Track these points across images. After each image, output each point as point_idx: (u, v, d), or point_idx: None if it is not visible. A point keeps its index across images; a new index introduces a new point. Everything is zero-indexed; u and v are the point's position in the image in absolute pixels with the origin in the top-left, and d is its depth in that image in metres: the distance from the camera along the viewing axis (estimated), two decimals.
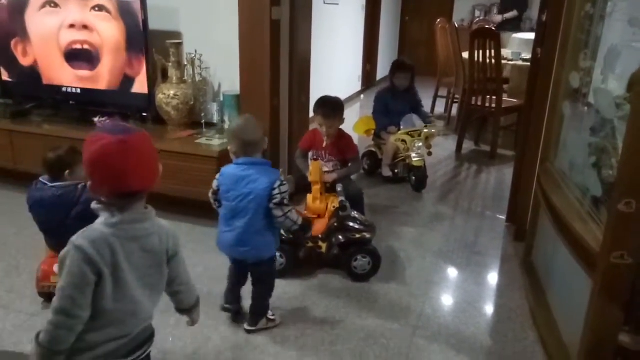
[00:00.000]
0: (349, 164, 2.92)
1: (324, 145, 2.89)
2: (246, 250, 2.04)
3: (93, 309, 1.22)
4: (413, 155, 3.66)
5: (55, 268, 2.20)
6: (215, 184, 2.10)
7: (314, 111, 2.86)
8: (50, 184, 2.22)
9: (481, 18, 7.57)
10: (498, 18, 6.23)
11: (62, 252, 1.20)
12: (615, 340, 1.72)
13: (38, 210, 2.24)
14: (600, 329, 1.69)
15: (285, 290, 2.48)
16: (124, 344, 1.31)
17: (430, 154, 3.79)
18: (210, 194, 2.13)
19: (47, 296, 2.30)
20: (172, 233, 1.38)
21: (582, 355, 1.76)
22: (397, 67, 3.96)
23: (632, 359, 1.93)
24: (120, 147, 1.16)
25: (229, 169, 2.05)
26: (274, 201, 1.98)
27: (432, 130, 3.82)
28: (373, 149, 4.06)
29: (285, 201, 2.01)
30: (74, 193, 2.20)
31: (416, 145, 3.69)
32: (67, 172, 2.21)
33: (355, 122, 4.14)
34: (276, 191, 1.98)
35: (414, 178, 3.76)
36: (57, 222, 2.20)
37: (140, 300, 1.30)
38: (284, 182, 2.02)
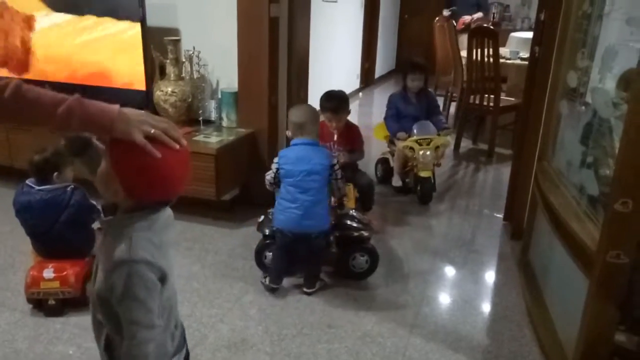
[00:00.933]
0: (355, 152, 3.07)
1: (335, 138, 2.99)
2: (311, 223, 2.34)
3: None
4: (420, 164, 3.38)
5: (45, 273, 2.18)
6: (274, 166, 2.41)
7: (321, 106, 2.93)
8: (37, 187, 2.18)
9: (480, 17, 7.57)
10: (467, 18, 6.02)
11: (118, 277, 1.08)
12: (611, 339, 1.73)
13: (25, 215, 2.19)
14: (596, 327, 1.70)
15: (282, 288, 2.48)
16: (178, 334, 1.25)
17: (438, 164, 3.51)
18: (269, 177, 2.44)
19: (36, 302, 2.24)
20: None
21: (578, 354, 1.77)
22: (409, 67, 3.64)
23: (628, 358, 1.94)
24: (176, 158, 1.09)
25: (286, 151, 2.45)
26: (338, 177, 2.41)
27: (443, 140, 3.50)
28: (386, 156, 3.89)
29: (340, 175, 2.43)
30: (63, 196, 2.17)
31: (423, 154, 3.37)
32: (55, 174, 2.17)
33: (374, 126, 3.92)
34: (337, 166, 2.40)
35: (419, 189, 3.49)
36: (46, 226, 2.17)
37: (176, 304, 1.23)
38: (338, 161, 2.46)
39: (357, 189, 2.89)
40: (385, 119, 3.67)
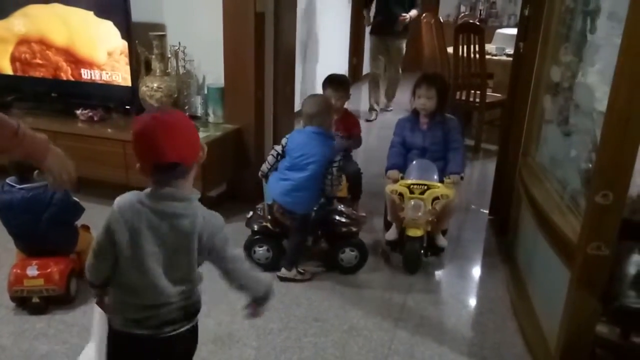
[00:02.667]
0: (351, 140, 3.09)
1: (334, 118, 2.95)
2: (288, 201, 2.44)
3: (114, 269, 1.33)
4: (407, 219, 2.54)
5: (29, 271, 2.16)
6: (284, 140, 2.53)
7: (323, 87, 3.04)
8: (18, 186, 2.15)
9: (467, 13, 7.61)
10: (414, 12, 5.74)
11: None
12: (593, 330, 1.75)
13: (7, 214, 2.16)
14: (578, 319, 1.72)
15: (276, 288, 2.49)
16: (146, 316, 1.33)
17: (433, 222, 2.57)
18: (270, 158, 2.59)
19: (19, 301, 2.21)
20: (211, 225, 1.34)
21: (560, 345, 1.79)
22: (417, 82, 2.73)
23: (609, 348, 1.97)
24: (152, 122, 1.26)
25: (295, 133, 2.57)
26: (333, 174, 2.46)
27: (446, 191, 2.51)
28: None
29: (338, 172, 2.49)
30: (44, 194, 2.15)
31: (414, 205, 2.50)
32: (35, 172, 2.14)
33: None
34: (336, 164, 2.46)
35: (403, 251, 2.63)
36: (29, 225, 2.14)
37: (157, 275, 1.30)
38: (341, 159, 2.51)
39: (346, 177, 2.87)
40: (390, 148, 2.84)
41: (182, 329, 1.38)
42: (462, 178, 2.65)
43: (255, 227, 2.56)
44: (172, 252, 1.31)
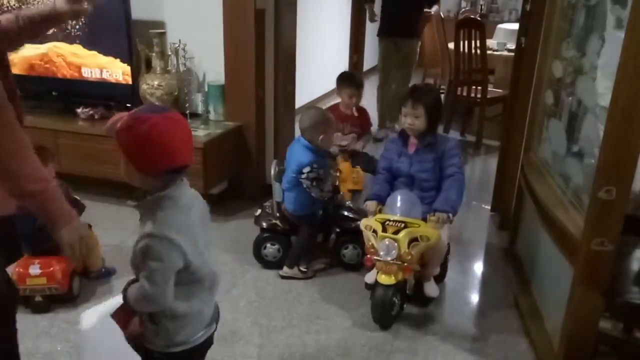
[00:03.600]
0: (364, 136, 3.13)
1: (350, 114, 3.07)
2: (286, 205, 2.52)
3: (188, 280, 1.27)
4: (378, 259, 2.10)
5: (31, 270, 2.16)
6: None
7: (340, 85, 3.08)
8: None
9: (467, 8, 7.59)
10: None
11: (141, 245, 1.22)
12: (596, 326, 1.75)
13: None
14: (581, 315, 1.72)
15: (272, 281, 2.49)
16: (213, 313, 1.39)
17: (408, 268, 2.10)
18: None
19: (22, 300, 2.18)
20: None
21: (564, 341, 1.79)
22: (403, 97, 2.35)
23: (612, 345, 1.96)
24: (169, 123, 1.19)
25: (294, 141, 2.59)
26: (304, 184, 2.41)
27: (427, 232, 2.10)
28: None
29: (309, 182, 2.39)
30: None
31: (384, 245, 2.07)
32: None
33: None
34: (304, 175, 2.39)
35: (371, 299, 2.19)
36: (30, 224, 2.13)
37: (208, 256, 1.33)
38: (314, 169, 2.39)
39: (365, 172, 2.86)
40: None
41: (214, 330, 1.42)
42: (450, 218, 2.15)
43: (264, 225, 2.57)
44: (204, 232, 1.33)
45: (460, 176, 2.25)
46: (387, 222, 2.12)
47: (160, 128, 1.17)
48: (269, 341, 2.09)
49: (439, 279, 2.42)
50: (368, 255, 2.14)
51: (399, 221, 2.11)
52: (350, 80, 3.09)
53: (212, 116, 3.20)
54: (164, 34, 3.14)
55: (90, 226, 2.44)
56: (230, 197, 3.26)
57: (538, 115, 2.53)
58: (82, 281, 2.35)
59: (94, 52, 3.21)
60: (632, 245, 1.80)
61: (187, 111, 3.23)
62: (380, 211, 2.23)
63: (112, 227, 2.93)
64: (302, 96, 4.37)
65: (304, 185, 2.42)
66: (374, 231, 2.12)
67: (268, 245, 2.56)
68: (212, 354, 1.96)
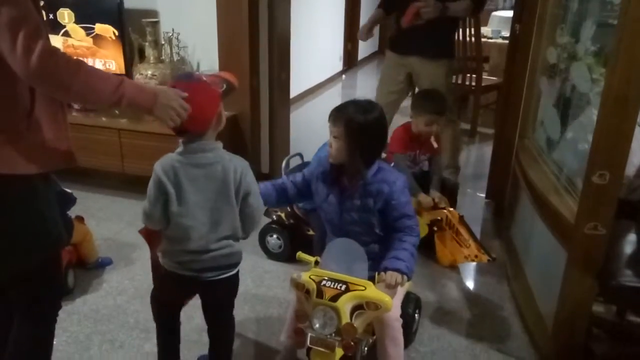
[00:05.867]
0: (434, 164, 2.64)
1: (434, 146, 2.58)
2: None
3: (166, 219, 1.51)
4: (311, 334, 1.49)
5: None
6: None
7: (418, 108, 2.48)
8: None
9: None
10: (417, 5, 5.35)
11: None
12: (589, 309, 1.77)
13: None
14: (575, 298, 1.74)
15: (268, 269, 2.50)
16: (189, 260, 1.54)
17: (349, 349, 1.48)
18: None
19: None
20: (240, 165, 1.55)
21: (557, 325, 1.81)
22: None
23: (606, 327, 1.99)
24: (187, 90, 1.44)
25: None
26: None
27: (376, 295, 1.48)
28: None
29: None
30: None
31: (320, 315, 1.48)
32: None
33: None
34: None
35: None
36: None
37: (202, 220, 1.51)
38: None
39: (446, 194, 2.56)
40: None
41: (223, 276, 1.58)
42: (404, 280, 1.59)
43: (274, 217, 2.59)
44: (214, 200, 1.51)
45: (414, 232, 1.68)
46: (324, 282, 1.51)
47: (192, 101, 1.44)
48: (266, 328, 2.10)
49: (406, 344, 1.82)
50: (299, 326, 1.52)
51: (339, 281, 1.52)
52: (430, 102, 2.47)
53: None
54: (157, 23, 3.12)
55: (82, 219, 2.44)
56: None
57: (532, 101, 2.54)
58: (77, 273, 2.34)
59: (87, 41, 3.19)
60: (625, 229, 1.82)
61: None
62: (316, 263, 1.63)
63: (107, 218, 2.93)
64: (297, 85, 4.37)
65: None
66: (308, 292, 1.52)
67: (269, 236, 2.57)
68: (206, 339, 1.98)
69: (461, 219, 2.43)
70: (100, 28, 3.10)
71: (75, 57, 1.27)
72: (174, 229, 1.52)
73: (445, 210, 2.46)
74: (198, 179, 1.49)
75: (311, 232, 2.51)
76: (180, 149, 1.51)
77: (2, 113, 1.26)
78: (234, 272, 1.61)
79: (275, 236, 2.56)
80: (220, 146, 1.55)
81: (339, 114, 1.65)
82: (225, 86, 1.64)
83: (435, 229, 2.53)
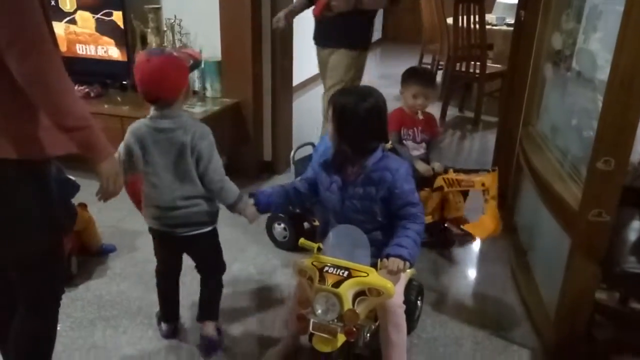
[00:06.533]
0: (434, 149, 2.63)
1: (420, 119, 2.54)
2: None
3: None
4: (314, 320, 1.49)
5: None
6: None
7: (405, 81, 2.52)
8: None
9: None
10: None
11: None
12: (592, 296, 1.77)
13: None
14: (578, 285, 1.73)
15: (271, 256, 2.50)
16: (161, 216, 1.74)
17: (351, 335, 1.47)
18: None
19: None
20: (198, 131, 1.69)
21: (560, 312, 1.81)
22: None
23: (608, 315, 1.99)
24: (144, 65, 1.62)
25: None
26: None
27: (379, 281, 1.50)
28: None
29: None
30: None
31: (322, 300, 1.49)
32: None
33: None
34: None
35: None
36: None
37: (166, 182, 1.70)
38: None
39: None
40: None
41: (197, 232, 1.76)
42: (406, 267, 1.56)
43: None
44: (175, 162, 1.68)
45: (419, 219, 1.65)
46: (326, 269, 1.53)
47: (136, 67, 1.65)
48: (266, 316, 2.10)
49: (408, 331, 1.77)
50: (301, 312, 1.52)
51: (341, 267, 1.53)
52: (416, 76, 2.53)
53: (209, 93, 3.18)
54: (159, 9, 3.10)
55: (85, 206, 2.44)
56: (228, 173, 3.24)
57: (537, 88, 2.52)
58: (81, 261, 2.35)
59: (89, 29, 3.17)
60: (629, 216, 1.81)
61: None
62: (319, 250, 1.61)
63: (109, 206, 2.90)
64: (300, 73, 4.34)
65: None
66: (310, 279, 1.55)
67: (275, 224, 2.56)
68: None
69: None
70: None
71: (69, 81, 1.29)
72: (146, 186, 1.74)
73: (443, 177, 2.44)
74: (161, 142, 1.67)
75: (317, 223, 2.48)
76: (150, 114, 1.70)
77: (7, 97, 1.26)
78: (208, 229, 1.80)
79: (282, 225, 2.55)
80: (184, 115, 1.72)
81: (333, 98, 1.67)
82: (191, 62, 1.81)
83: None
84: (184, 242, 1.79)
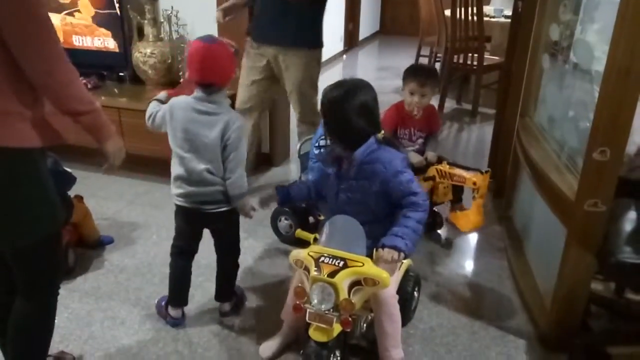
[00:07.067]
0: (430, 140, 2.60)
1: (417, 117, 2.53)
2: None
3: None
4: (309, 311, 1.53)
5: None
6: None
7: (403, 79, 2.51)
8: None
9: None
10: None
11: None
12: (588, 286, 1.78)
13: None
14: (574, 275, 1.75)
15: (268, 247, 2.51)
16: (189, 192, 1.81)
17: (347, 325, 1.52)
18: None
19: None
20: (231, 121, 1.76)
21: (556, 302, 1.82)
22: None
23: (604, 305, 2.00)
24: (201, 49, 1.70)
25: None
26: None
27: (376, 272, 1.52)
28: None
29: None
30: None
31: (318, 291, 1.52)
32: None
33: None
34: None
35: None
36: None
37: (193, 159, 1.78)
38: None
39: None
40: None
41: (223, 209, 1.84)
42: (400, 257, 1.56)
43: None
44: (205, 143, 1.76)
45: (420, 208, 1.63)
46: (322, 259, 1.55)
47: (193, 50, 1.71)
48: (269, 304, 2.11)
49: (405, 321, 1.81)
50: (297, 302, 1.55)
51: (337, 257, 1.55)
52: (414, 73, 2.47)
53: None
54: (156, 0, 3.09)
55: (81, 198, 2.44)
56: None
57: (534, 79, 2.52)
58: (78, 253, 2.35)
59: (86, 20, 3.16)
60: (624, 207, 1.81)
61: (181, 79, 3.20)
62: (315, 240, 1.66)
63: (108, 197, 2.93)
64: None
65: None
66: (306, 269, 1.56)
67: (281, 218, 2.54)
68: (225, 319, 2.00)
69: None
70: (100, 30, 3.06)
71: (74, 69, 1.33)
72: (174, 158, 1.83)
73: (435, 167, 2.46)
74: (198, 122, 1.75)
75: (322, 217, 2.49)
76: (195, 94, 1.77)
77: (10, 85, 1.26)
78: (232, 207, 1.85)
79: (288, 221, 2.53)
80: (227, 102, 1.80)
81: (324, 91, 1.70)
82: (235, 49, 1.87)
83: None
84: (210, 217, 1.85)
